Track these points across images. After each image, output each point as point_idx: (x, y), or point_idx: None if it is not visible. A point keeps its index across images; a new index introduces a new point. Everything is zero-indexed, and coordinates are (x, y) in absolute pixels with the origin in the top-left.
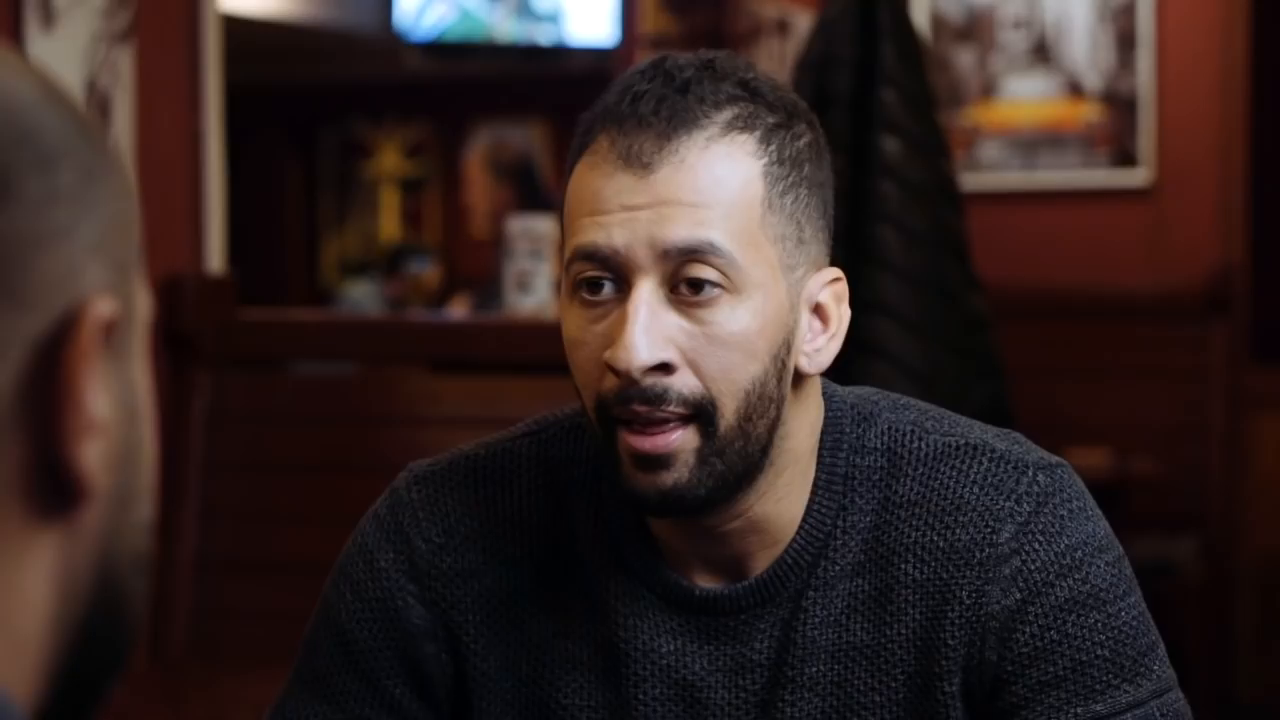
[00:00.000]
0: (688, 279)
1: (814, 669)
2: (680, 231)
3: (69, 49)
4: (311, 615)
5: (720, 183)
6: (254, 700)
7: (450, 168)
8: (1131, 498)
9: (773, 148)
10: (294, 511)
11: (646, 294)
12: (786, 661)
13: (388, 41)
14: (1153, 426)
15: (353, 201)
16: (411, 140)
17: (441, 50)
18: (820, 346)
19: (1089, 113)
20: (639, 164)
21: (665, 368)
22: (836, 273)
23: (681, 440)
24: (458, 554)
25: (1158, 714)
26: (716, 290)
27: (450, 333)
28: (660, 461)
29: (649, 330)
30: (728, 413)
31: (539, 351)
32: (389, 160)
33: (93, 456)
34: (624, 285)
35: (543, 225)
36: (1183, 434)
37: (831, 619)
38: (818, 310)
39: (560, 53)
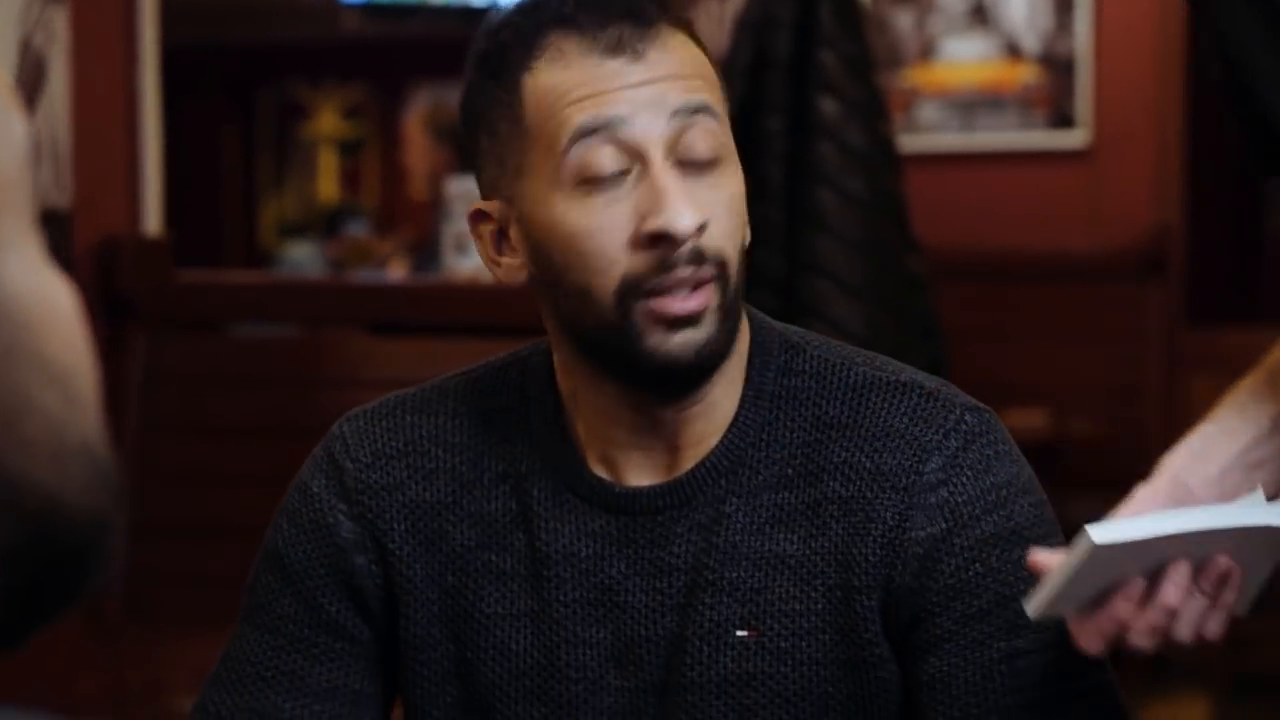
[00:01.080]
0: (692, 154)
1: (735, 574)
2: (683, 96)
3: (3, 8)
4: (255, 561)
5: (695, 60)
6: (192, 664)
7: (388, 129)
8: (1069, 459)
9: (702, 49)
10: (232, 474)
11: (667, 163)
12: (707, 565)
13: (325, 3)
14: (1090, 388)
15: (291, 163)
16: (350, 102)
17: (379, 11)
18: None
19: (1027, 75)
20: (630, 51)
21: (701, 228)
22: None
23: (707, 296)
24: (384, 470)
25: (1075, 653)
26: (717, 154)
27: (388, 295)
28: (693, 320)
29: (686, 195)
30: (733, 271)
31: (478, 314)
32: (327, 122)
33: None
34: (633, 162)
35: None
36: (1120, 395)
37: (755, 527)
38: None
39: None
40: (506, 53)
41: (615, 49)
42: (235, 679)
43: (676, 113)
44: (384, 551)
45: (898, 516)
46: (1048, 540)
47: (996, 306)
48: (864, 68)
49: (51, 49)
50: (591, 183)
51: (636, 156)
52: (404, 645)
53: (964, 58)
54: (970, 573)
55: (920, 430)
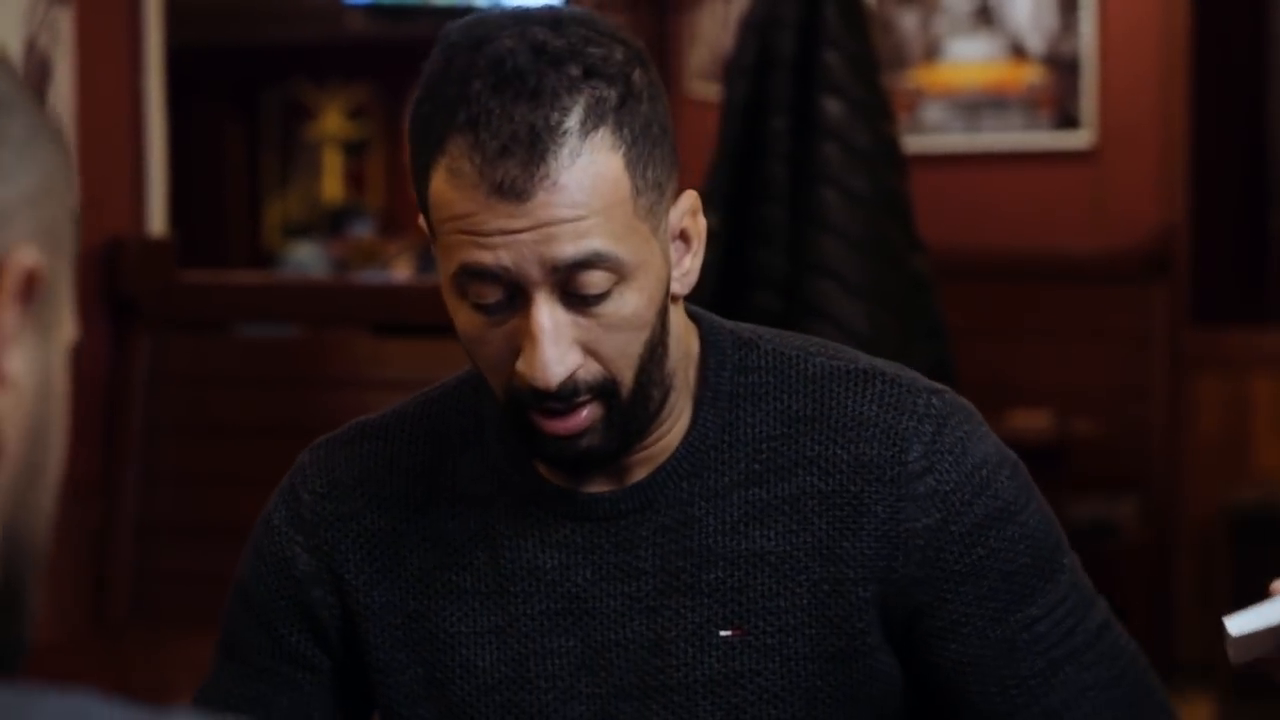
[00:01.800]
0: (580, 291)
1: (713, 575)
2: (566, 249)
3: (7, 9)
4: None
5: (593, 192)
6: (196, 663)
7: (393, 129)
8: (1073, 459)
9: (625, 130)
10: (235, 474)
11: (545, 306)
12: (682, 569)
13: (330, 3)
14: (1094, 388)
15: (295, 163)
16: (354, 102)
17: (383, 12)
18: (688, 268)
19: (1031, 75)
20: (513, 194)
21: (575, 371)
22: (688, 194)
23: (590, 414)
24: (339, 500)
25: (1074, 602)
26: (608, 287)
27: (392, 295)
28: (573, 435)
29: (557, 343)
30: (627, 381)
31: None
32: (331, 122)
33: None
34: (518, 295)
35: None
36: (1124, 395)
37: (728, 527)
38: (681, 235)
39: None
40: (426, 126)
41: (499, 190)
42: (204, 705)
43: (557, 268)
44: (340, 582)
45: (889, 509)
46: (1030, 506)
47: (1001, 306)
48: (869, 68)
49: (56, 49)
50: (477, 305)
51: (520, 290)
52: (372, 671)
53: (969, 58)
54: (973, 556)
55: (893, 418)
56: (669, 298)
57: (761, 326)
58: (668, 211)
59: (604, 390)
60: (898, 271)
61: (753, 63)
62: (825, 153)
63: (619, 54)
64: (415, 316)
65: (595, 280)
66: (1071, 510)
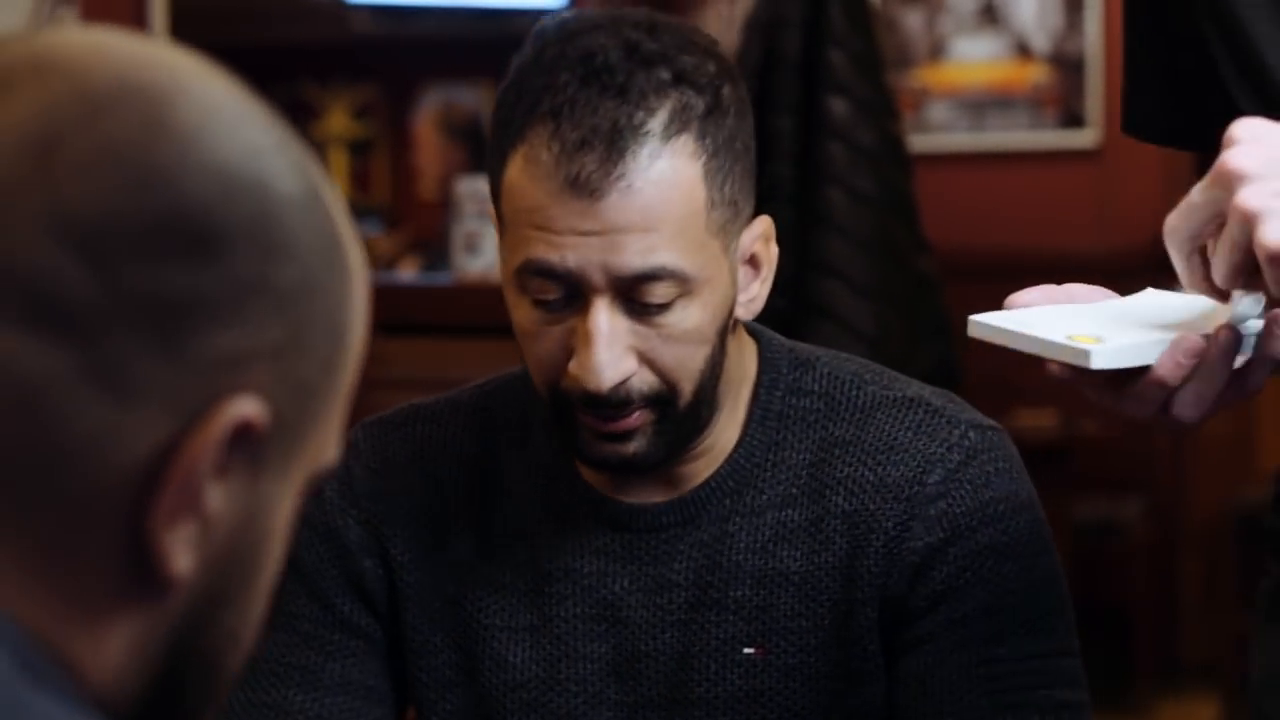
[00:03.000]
0: (642, 300)
1: (739, 593)
2: (633, 261)
3: (12, 8)
4: None
5: (667, 202)
6: None
7: (398, 129)
8: (1078, 459)
9: (707, 139)
10: None
11: (604, 310)
12: (712, 584)
13: (334, 3)
14: None
15: None
16: (359, 102)
17: (389, 12)
18: (754, 294)
19: (1037, 74)
20: (586, 191)
21: (626, 378)
22: (762, 219)
23: (640, 418)
24: (391, 476)
25: (1054, 669)
26: (670, 299)
27: (397, 295)
28: (621, 436)
29: (611, 347)
30: (685, 394)
31: (488, 314)
32: (337, 122)
33: (181, 541)
34: (578, 296)
35: None
36: None
37: (759, 545)
38: (750, 260)
39: (509, 15)
40: (508, 114)
41: (574, 184)
42: (252, 676)
43: (622, 277)
44: (387, 556)
45: (899, 527)
46: (1040, 555)
47: None
48: (874, 67)
49: None
50: (537, 301)
51: (580, 291)
52: (407, 650)
53: (974, 57)
54: (961, 580)
55: (924, 444)
56: (732, 319)
57: (820, 348)
58: (740, 232)
59: (659, 400)
60: (903, 271)
61: (758, 63)
62: (830, 152)
63: (711, 66)
64: (421, 316)
65: (659, 291)
66: (1076, 510)
